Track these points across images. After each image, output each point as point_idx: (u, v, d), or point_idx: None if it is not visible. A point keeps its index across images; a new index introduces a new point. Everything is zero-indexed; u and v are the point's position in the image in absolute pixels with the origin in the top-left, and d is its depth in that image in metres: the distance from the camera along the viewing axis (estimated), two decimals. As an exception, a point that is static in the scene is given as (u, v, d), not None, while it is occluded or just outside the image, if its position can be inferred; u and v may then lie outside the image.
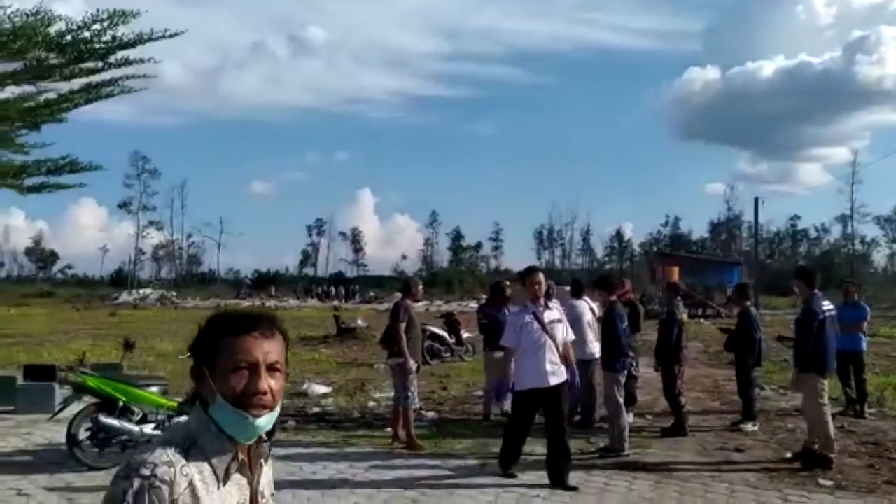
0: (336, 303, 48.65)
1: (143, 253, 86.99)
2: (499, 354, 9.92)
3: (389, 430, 8.78)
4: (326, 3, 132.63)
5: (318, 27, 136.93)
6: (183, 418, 7.48)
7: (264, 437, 1.62)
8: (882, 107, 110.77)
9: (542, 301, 6.99)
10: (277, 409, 1.59)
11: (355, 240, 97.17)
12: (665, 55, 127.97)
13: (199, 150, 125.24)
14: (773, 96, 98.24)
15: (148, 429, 7.43)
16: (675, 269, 37.27)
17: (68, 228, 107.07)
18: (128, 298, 56.55)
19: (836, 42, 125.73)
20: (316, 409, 10.46)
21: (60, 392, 9.54)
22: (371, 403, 11.09)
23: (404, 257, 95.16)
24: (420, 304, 12.59)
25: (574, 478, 6.79)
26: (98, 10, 10.95)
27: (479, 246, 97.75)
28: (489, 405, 9.95)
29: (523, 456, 7.17)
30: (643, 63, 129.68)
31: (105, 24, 11.02)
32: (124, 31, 11.33)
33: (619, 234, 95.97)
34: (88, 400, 7.57)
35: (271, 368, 1.58)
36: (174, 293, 62.84)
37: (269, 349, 1.58)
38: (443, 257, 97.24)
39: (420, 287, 9.11)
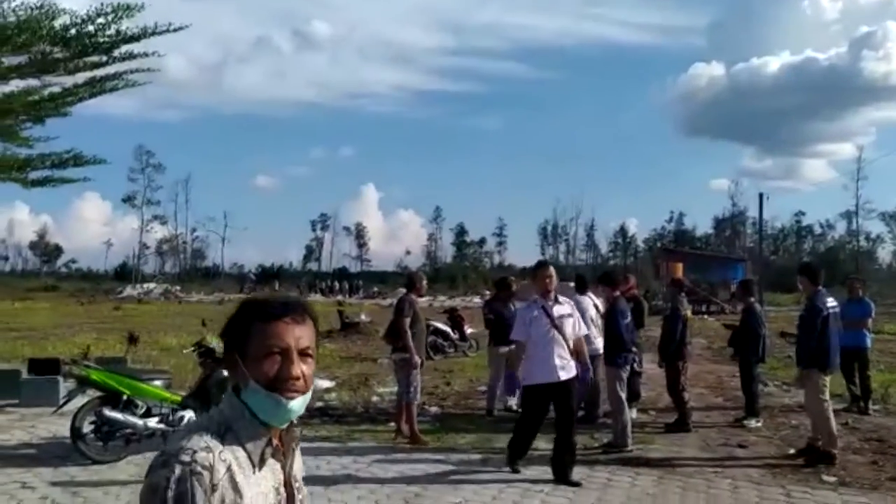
0: (340, 298, 48.76)
1: (147, 247, 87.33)
2: (504, 349, 9.96)
3: (393, 424, 8.79)
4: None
5: (323, 21, 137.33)
6: (187, 412, 7.55)
7: (295, 422, 1.63)
8: (888, 103, 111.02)
9: (552, 295, 6.92)
10: (309, 394, 1.61)
11: (359, 235, 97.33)
12: (670, 51, 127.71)
13: (204, 144, 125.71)
14: (778, 92, 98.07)
15: (152, 422, 7.45)
16: (679, 266, 37.29)
17: (72, 222, 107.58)
18: (132, 292, 56.72)
19: (842, 38, 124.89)
20: (319, 404, 10.46)
21: (65, 385, 9.57)
22: (374, 398, 11.10)
23: (408, 253, 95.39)
24: (423, 299, 12.59)
25: (577, 473, 6.79)
26: (102, 4, 10.96)
27: (482, 241, 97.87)
28: (492, 400, 9.96)
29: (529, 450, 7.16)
30: (648, 58, 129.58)
31: (109, 17, 11.02)
32: (128, 25, 11.33)
33: (623, 230, 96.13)
34: (92, 393, 7.60)
35: (303, 354, 1.59)
36: (178, 287, 62.97)
37: (300, 334, 1.59)
38: (446, 253, 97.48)
39: (424, 282, 9.11)
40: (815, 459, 7.40)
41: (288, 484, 1.63)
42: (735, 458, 7.78)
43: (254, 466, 1.53)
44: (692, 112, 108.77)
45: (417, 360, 8.26)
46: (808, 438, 7.94)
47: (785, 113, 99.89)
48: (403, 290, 9.07)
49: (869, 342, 10.77)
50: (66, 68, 11.83)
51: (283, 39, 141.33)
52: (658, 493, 6.52)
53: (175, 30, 11.80)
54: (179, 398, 7.78)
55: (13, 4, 10.63)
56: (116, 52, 11.67)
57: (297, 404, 1.57)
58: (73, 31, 11.06)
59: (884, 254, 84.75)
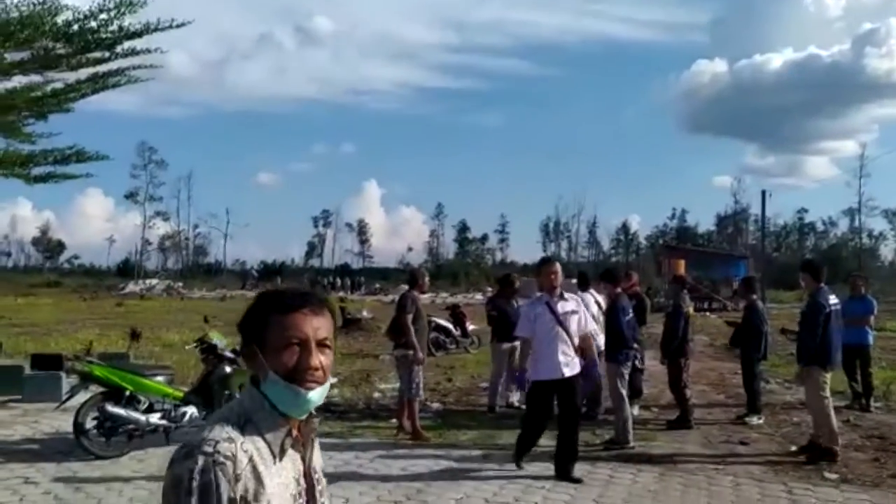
0: (342, 294, 48.71)
1: (150, 243, 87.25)
2: (506, 346, 9.98)
3: (394, 420, 8.81)
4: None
5: (325, 17, 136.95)
6: (189, 408, 7.57)
7: (314, 413, 1.64)
8: (891, 100, 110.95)
9: (557, 292, 6.89)
10: (328, 385, 1.62)
11: (361, 231, 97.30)
12: (673, 47, 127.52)
13: (206, 140, 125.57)
14: (781, 89, 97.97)
15: (154, 418, 7.47)
16: (682, 262, 37.33)
17: (75, 218, 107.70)
18: (134, 289, 56.75)
19: (846, 34, 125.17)
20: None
21: (67, 381, 9.59)
22: (376, 394, 11.12)
23: (410, 249, 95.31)
24: (426, 296, 12.59)
25: (579, 470, 6.79)
26: (105, 0, 10.93)
27: (484, 238, 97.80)
28: (494, 397, 9.97)
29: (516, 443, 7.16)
30: (650, 55, 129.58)
31: (112, 13, 11.00)
32: (131, 21, 11.29)
33: (625, 227, 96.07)
34: (95, 389, 7.62)
35: (321, 345, 1.60)
36: (180, 284, 63.01)
37: (318, 325, 1.60)
38: (448, 249, 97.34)
39: (427, 279, 9.12)
40: (816, 456, 7.41)
41: (307, 475, 1.64)
42: (737, 454, 7.79)
43: (274, 457, 1.54)
44: (695, 109, 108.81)
45: (421, 356, 8.28)
46: (809, 435, 7.94)
47: (788, 110, 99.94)
48: (406, 287, 9.08)
49: (871, 339, 10.77)
50: (69, 64, 11.81)
51: (286, 36, 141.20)
52: (660, 489, 6.53)
53: (178, 26, 11.77)
54: (182, 394, 7.80)
55: (16, 0, 10.63)
56: (119, 49, 11.65)
57: (316, 395, 1.58)
58: (75, 27, 11.04)
59: (886, 251, 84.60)
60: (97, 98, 13.17)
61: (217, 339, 8.22)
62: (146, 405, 7.54)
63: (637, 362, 9.12)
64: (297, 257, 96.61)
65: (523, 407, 9.54)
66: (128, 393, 7.43)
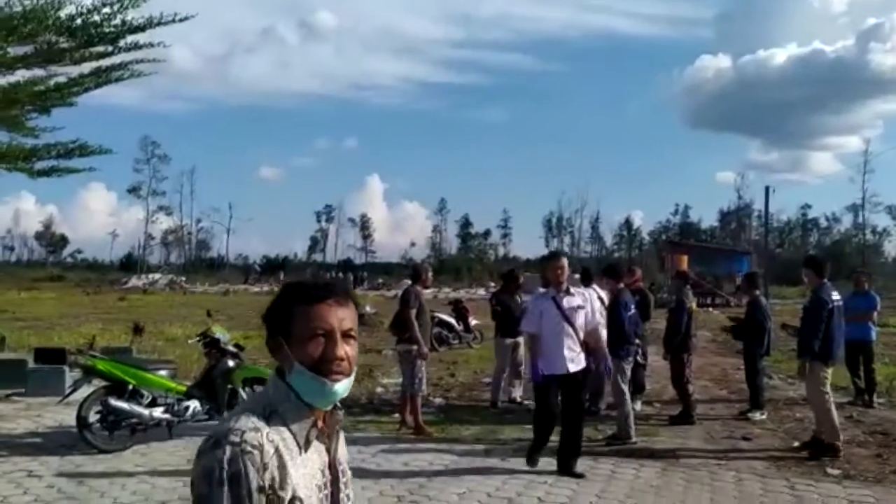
0: (344, 289, 48.64)
1: (153, 238, 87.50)
2: (510, 341, 9.99)
3: (397, 415, 8.81)
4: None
5: (328, 12, 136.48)
6: (192, 402, 7.57)
7: (339, 404, 1.64)
8: (895, 96, 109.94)
9: (563, 286, 6.83)
10: (353, 376, 1.62)
11: (364, 226, 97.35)
12: (676, 43, 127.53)
13: (209, 135, 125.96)
14: (785, 84, 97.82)
15: (157, 412, 7.49)
16: (685, 258, 37.27)
17: (78, 213, 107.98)
18: (137, 283, 56.92)
19: (850, 30, 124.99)
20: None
21: (71, 375, 9.61)
22: (379, 389, 11.12)
23: (413, 244, 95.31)
24: (428, 291, 12.62)
25: (581, 465, 6.79)
26: (108, -6, 10.92)
27: (487, 233, 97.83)
28: (497, 392, 9.97)
29: (531, 442, 7.16)
30: (654, 50, 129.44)
31: (115, 7, 10.99)
32: (134, 15, 11.29)
33: (628, 222, 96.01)
34: (98, 383, 7.64)
35: (346, 335, 1.60)
36: (183, 278, 63.18)
37: (343, 316, 1.60)
38: (451, 244, 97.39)
39: (430, 274, 9.13)
40: (819, 452, 7.40)
41: (332, 466, 1.64)
42: (739, 450, 7.78)
43: (300, 448, 1.54)
44: (698, 104, 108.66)
45: (425, 351, 8.28)
46: (812, 431, 7.93)
47: (791, 105, 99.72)
48: (409, 282, 9.08)
49: (874, 335, 10.75)
50: (72, 58, 11.81)
51: (289, 30, 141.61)
52: (662, 484, 6.53)
53: (181, 20, 11.75)
54: (184, 388, 7.81)
55: (19, -6, 10.62)
56: (122, 43, 11.65)
57: (342, 386, 1.58)
58: (78, 22, 11.04)
59: (890, 247, 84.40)
60: (100, 92, 13.19)
61: (220, 333, 8.23)
62: (149, 399, 7.55)
63: (639, 358, 9.12)
64: (299, 252, 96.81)
65: (525, 402, 9.58)
66: (131, 387, 7.44)
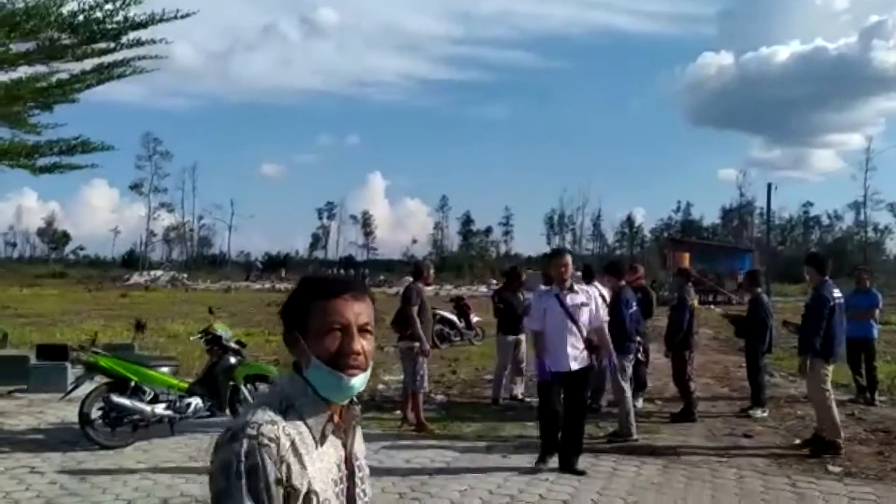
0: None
1: (155, 234, 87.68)
2: (511, 338, 9.99)
3: (399, 412, 8.82)
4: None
5: (330, 9, 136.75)
6: (194, 399, 7.58)
7: (355, 399, 1.65)
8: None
9: (567, 284, 6.83)
10: (369, 371, 1.62)
11: (366, 223, 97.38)
12: (679, 40, 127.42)
13: (211, 131, 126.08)
14: (787, 82, 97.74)
15: (159, 409, 7.50)
16: (686, 256, 37.24)
17: (80, 209, 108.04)
18: (139, 280, 56.97)
19: (852, 27, 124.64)
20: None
21: (73, 371, 9.61)
22: (380, 386, 11.13)
23: (414, 241, 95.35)
24: (430, 288, 12.63)
25: (582, 462, 6.80)
26: (110, -9, 10.91)
27: (489, 230, 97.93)
28: (498, 389, 9.98)
29: (532, 439, 7.17)
30: (656, 47, 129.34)
31: (117, 4, 10.97)
32: (136, 12, 11.27)
33: (630, 220, 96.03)
34: (100, 379, 7.65)
35: (363, 330, 1.60)
36: (185, 275, 63.18)
37: (360, 311, 1.61)
38: (453, 241, 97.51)
39: (432, 271, 9.14)
40: (820, 450, 7.40)
41: (349, 461, 1.65)
42: (740, 447, 7.78)
43: (316, 442, 1.55)
44: (700, 101, 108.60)
45: (427, 348, 8.29)
46: (813, 429, 7.93)
47: (794, 103, 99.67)
48: (410, 279, 9.09)
49: (876, 333, 10.75)
50: (74, 55, 11.80)
51: (291, 27, 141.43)
52: (663, 481, 6.53)
53: (183, 17, 11.74)
54: (186, 385, 7.82)
55: (22, -10, 10.62)
56: (124, 39, 11.62)
57: (359, 381, 1.59)
58: (80, 18, 11.02)
59: (892, 245, 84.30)
60: (102, 89, 13.16)
61: (222, 330, 8.24)
62: (151, 396, 7.57)
63: (640, 355, 9.12)
64: (301, 249, 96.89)
65: (527, 399, 9.59)
66: (133, 383, 7.46)
